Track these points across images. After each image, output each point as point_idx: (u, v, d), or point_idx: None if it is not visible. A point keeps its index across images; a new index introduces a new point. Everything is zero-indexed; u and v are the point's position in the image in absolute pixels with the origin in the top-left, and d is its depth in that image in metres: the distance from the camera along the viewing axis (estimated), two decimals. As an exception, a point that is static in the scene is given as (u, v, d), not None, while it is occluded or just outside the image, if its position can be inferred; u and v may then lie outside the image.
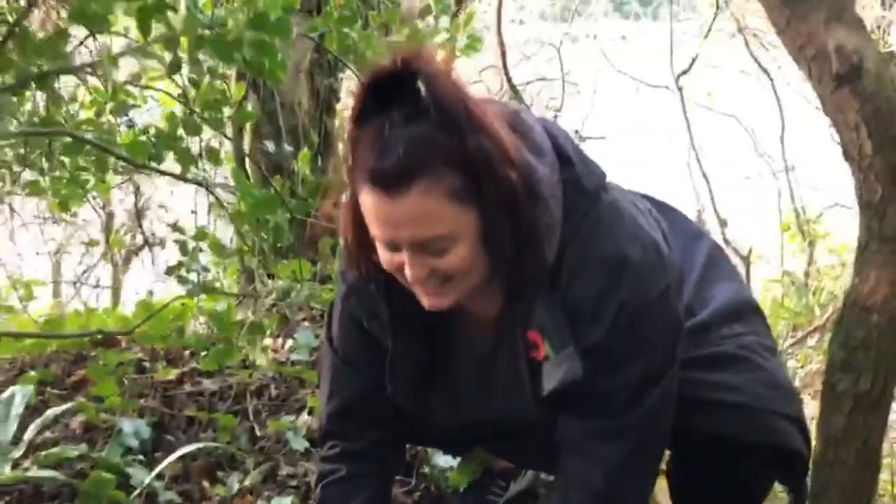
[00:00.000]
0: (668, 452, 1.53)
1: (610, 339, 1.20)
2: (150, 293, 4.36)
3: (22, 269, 4.35)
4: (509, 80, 4.85)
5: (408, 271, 1.14)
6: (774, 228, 6.00)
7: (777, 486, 1.55)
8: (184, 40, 1.44)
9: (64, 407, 1.97)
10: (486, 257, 1.16)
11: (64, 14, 1.53)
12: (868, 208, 1.08)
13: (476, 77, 5.70)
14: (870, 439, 1.15)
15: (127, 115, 2.09)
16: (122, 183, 3.83)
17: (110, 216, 4.66)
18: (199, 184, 1.89)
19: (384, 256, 1.18)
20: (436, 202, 1.09)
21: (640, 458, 1.28)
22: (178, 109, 2.06)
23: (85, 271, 4.94)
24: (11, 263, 4.25)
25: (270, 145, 2.14)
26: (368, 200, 1.12)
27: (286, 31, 1.51)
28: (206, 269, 2.36)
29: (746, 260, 4.66)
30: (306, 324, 2.48)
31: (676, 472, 1.54)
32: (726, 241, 5.16)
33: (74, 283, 4.81)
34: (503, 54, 4.58)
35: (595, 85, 6.67)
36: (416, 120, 1.09)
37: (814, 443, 1.25)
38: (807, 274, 5.68)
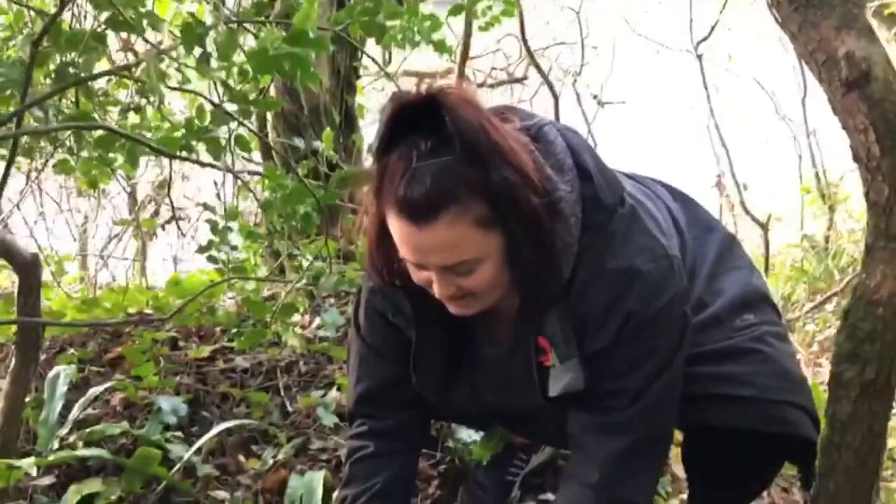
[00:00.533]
0: (680, 434, 1.59)
1: (615, 346, 1.26)
2: (176, 267, 4.47)
3: (50, 243, 4.46)
4: (527, 47, 4.84)
5: (436, 289, 1.20)
6: (795, 192, 5.98)
7: (787, 465, 1.61)
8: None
9: (104, 385, 2.07)
10: (509, 274, 1.22)
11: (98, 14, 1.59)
12: (875, 208, 1.12)
13: (494, 45, 5.69)
14: (874, 425, 1.21)
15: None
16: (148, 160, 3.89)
17: (134, 191, 4.74)
18: (229, 171, 1.95)
19: (412, 273, 1.23)
20: (462, 230, 1.14)
21: (637, 455, 1.31)
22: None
23: (110, 240, 5.04)
24: (41, 238, 4.35)
25: (299, 140, 2.19)
26: (397, 226, 1.17)
27: (325, 46, 1.56)
28: (235, 248, 2.43)
29: (765, 226, 4.68)
30: (333, 302, 2.55)
31: (689, 451, 1.61)
32: (745, 207, 5.17)
33: (101, 255, 4.91)
34: (521, 21, 4.57)
35: (614, 49, 6.61)
36: (441, 152, 1.13)
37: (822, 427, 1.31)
38: (826, 238, 5.67)
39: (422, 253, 1.17)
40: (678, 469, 2.03)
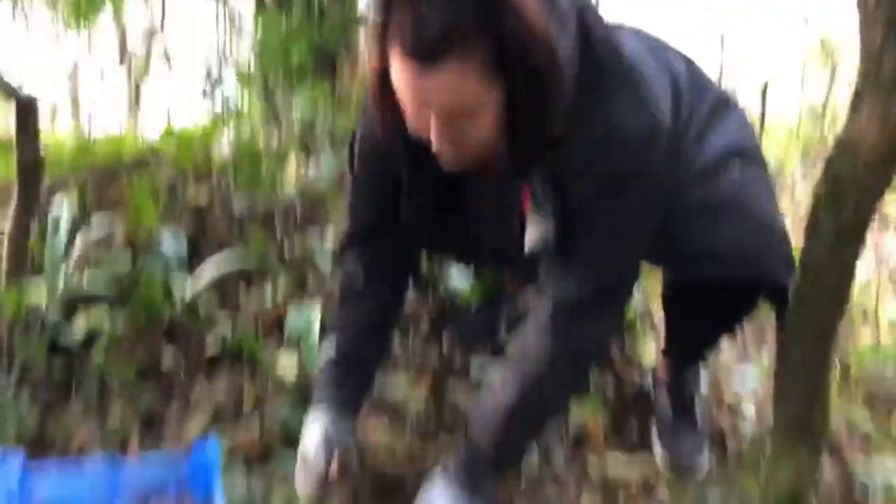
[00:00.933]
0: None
1: (589, 201, 1.27)
2: (170, 120, 4.43)
3: (41, 90, 4.41)
4: None
5: (434, 141, 1.19)
6: (795, 58, 5.88)
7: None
8: None
9: (106, 223, 2.13)
10: (505, 131, 1.21)
11: None
12: (868, 54, 1.14)
13: None
14: (844, 268, 1.27)
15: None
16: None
17: (124, 35, 4.64)
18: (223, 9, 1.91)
19: (410, 119, 1.23)
20: (466, 76, 1.13)
21: (593, 303, 1.34)
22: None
23: (102, 77, 4.97)
24: (31, 84, 4.29)
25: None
26: (400, 68, 1.16)
27: None
28: (230, 94, 2.43)
29: (763, 93, 4.63)
30: (328, 148, 2.57)
31: (667, 293, 1.69)
32: (740, 71, 5.10)
33: (91, 100, 4.86)
34: None
35: None
36: None
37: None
38: (824, 106, 5.64)
39: (423, 97, 1.16)
40: (656, 316, 2.13)
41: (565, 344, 1.36)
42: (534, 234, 1.32)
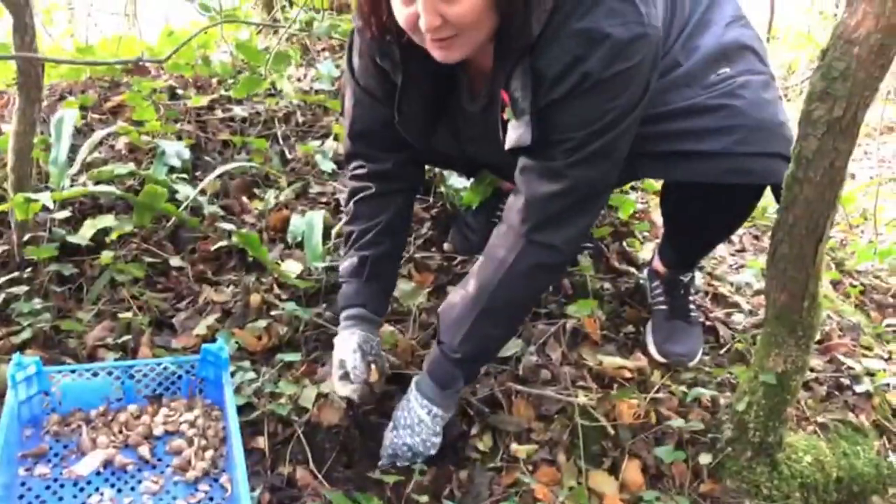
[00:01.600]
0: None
1: (567, 101, 1.27)
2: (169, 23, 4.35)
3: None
4: None
5: (422, 18, 1.20)
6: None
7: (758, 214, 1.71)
8: None
9: (109, 129, 2.13)
10: (491, 12, 1.22)
11: None
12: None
13: None
14: (836, 161, 1.28)
15: None
16: None
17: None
18: None
19: (399, 9, 1.24)
20: None
21: (564, 203, 1.36)
22: None
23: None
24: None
25: None
26: None
27: None
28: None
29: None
30: (327, 54, 2.55)
31: (665, 197, 1.70)
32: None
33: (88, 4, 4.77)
34: None
35: None
36: None
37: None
38: (836, 5, 5.51)
39: None
40: (655, 215, 2.16)
41: (534, 243, 1.39)
42: (513, 135, 1.33)
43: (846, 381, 1.82)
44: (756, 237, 2.30)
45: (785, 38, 5.34)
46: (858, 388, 1.80)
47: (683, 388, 1.69)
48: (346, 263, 1.62)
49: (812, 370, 1.81)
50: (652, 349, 1.78)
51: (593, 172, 1.34)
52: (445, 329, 1.47)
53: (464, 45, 1.26)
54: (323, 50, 2.71)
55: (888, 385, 1.81)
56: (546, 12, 1.24)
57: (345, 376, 1.53)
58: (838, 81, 1.21)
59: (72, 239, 1.83)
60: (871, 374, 1.83)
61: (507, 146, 1.35)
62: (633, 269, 2.00)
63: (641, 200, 2.27)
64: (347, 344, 1.56)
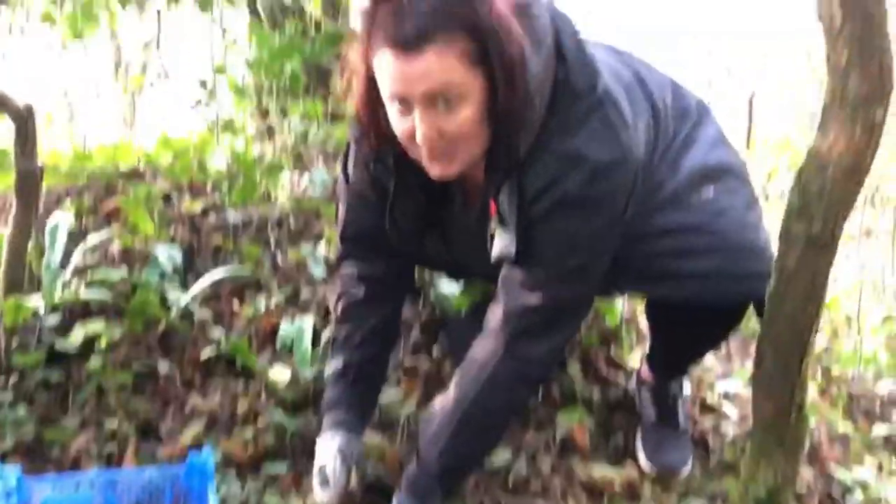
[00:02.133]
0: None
1: (546, 220, 1.33)
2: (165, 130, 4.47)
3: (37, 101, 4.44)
4: None
5: (419, 131, 1.25)
6: (786, 69, 5.97)
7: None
8: None
9: (103, 235, 2.16)
10: (485, 128, 1.28)
11: None
12: (834, 72, 1.19)
13: None
14: (817, 276, 1.31)
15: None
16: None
17: (119, 50, 4.67)
18: (218, 24, 1.96)
19: (397, 123, 1.29)
20: (450, 59, 1.21)
21: (542, 317, 1.39)
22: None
23: (97, 94, 5.00)
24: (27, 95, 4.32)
25: (288, -1, 2.19)
26: (387, 61, 1.22)
27: None
28: (223, 107, 2.48)
29: (749, 104, 4.71)
30: (321, 161, 2.61)
31: (651, 307, 1.73)
32: (729, 91, 5.17)
33: (86, 110, 4.90)
34: None
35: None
36: None
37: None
38: (813, 116, 5.71)
39: (409, 82, 1.22)
40: (643, 321, 2.18)
41: (511, 354, 1.41)
42: (498, 246, 1.37)
43: (837, 494, 1.81)
44: (743, 343, 2.32)
45: (765, 142, 5.51)
46: (850, 501, 1.78)
47: (675, 499, 1.67)
48: (332, 367, 1.63)
49: (804, 481, 1.80)
50: (642, 459, 1.77)
51: (568, 291, 1.38)
52: (425, 442, 1.47)
53: (458, 161, 1.31)
54: (317, 156, 2.78)
55: (880, 499, 1.79)
56: (535, 131, 1.30)
57: (324, 481, 1.51)
58: (814, 199, 1.26)
59: (60, 345, 1.83)
60: (863, 485, 1.81)
61: (492, 257, 1.38)
62: (621, 377, 2.01)
63: (628, 306, 2.29)
64: (328, 449, 1.54)
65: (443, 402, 1.47)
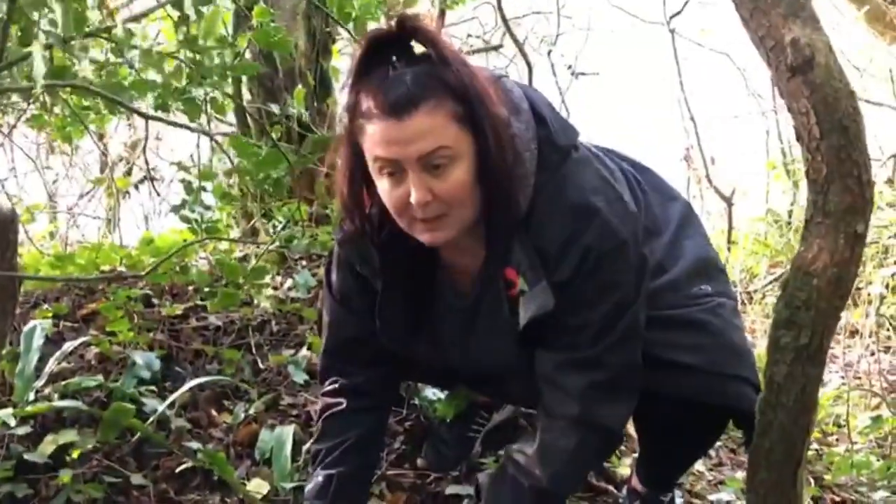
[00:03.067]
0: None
1: (577, 279, 1.33)
2: (148, 226, 4.48)
3: (21, 197, 4.45)
4: (503, 16, 4.86)
5: (413, 195, 1.26)
6: (761, 168, 6.09)
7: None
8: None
9: (79, 340, 2.12)
10: (477, 190, 1.29)
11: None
12: (814, 185, 1.20)
13: (470, 13, 5.70)
14: (807, 387, 1.29)
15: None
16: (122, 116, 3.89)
17: (106, 150, 4.72)
18: (205, 133, 1.98)
19: (388, 193, 1.29)
20: (440, 120, 1.24)
21: (614, 385, 1.40)
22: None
23: (81, 197, 5.02)
24: (12, 192, 4.34)
25: (275, 107, 2.23)
26: (377, 128, 1.25)
27: (286, 47, 1.64)
28: (208, 208, 2.47)
29: (729, 200, 4.79)
30: (304, 264, 2.61)
31: (639, 412, 1.69)
32: (710, 181, 5.28)
33: (70, 210, 4.91)
34: (498, -11, 4.58)
35: (590, 19, 6.64)
36: (418, 62, 1.26)
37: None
38: (790, 213, 5.82)
39: (401, 145, 1.24)
40: (631, 428, 2.14)
41: (596, 432, 1.42)
42: (532, 307, 1.35)
43: None
44: (733, 451, 2.28)
45: (744, 243, 5.58)
46: None
47: None
48: (311, 484, 1.57)
49: None
50: (634, 574, 1.70)
51: (628, 348, 1.39)
52: None
53: (451, 225, 1.31)
54: (300, 258, 2.77)
55: None
56: (530, 187, 1.32)
57: None
58: (801, 311, 1.26)
59: (29, 457, 1.76)
60: None
61: (524, 320, 1.36)
62: (611, 488, 1.95)
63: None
64: None
65: (520, 470, 1.47)
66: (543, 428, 1.48)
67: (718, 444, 2.27)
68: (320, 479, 1.55)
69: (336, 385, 1.60)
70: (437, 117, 1.24)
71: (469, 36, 6.21)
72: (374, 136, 1.26)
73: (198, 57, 1.85)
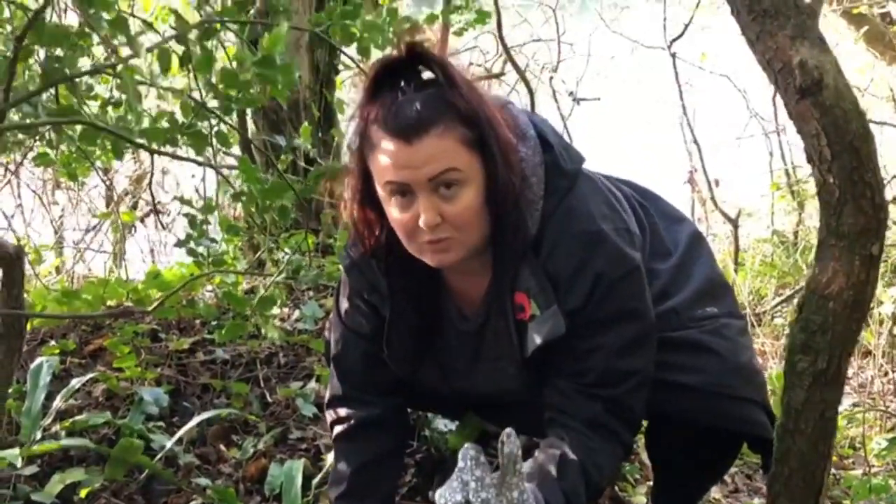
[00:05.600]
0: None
1: (588, 306, 1.33)
2: (154, 260, 4.48)
3: (28, 234, 4.46)
4: (504, 44, 4.90)
5: (422, 217, 1.26)
6: (765, 189, 6.09)
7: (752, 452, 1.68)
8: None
9: (87, 377, 2.11)
10: (486, 212, 1.29)
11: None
12: (827, 207, 1.19)
13: (472, 42, 5.74)
14: (826, 412, 1.27)
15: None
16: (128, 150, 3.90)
17: (112, 184, 4.74)
18: (210, 166, 1.98)
19: (398, 216, 1.29)
20: (450, 143, 1.25)
21: (627, 400, 1.39)
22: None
23: (87, 231, 5.03)
24: (19, 231, 4.34)
25: (280, 139, 2.24)
26: (388, 151, 1.25)
27: (291, 74, 1.65)
28: (213, 241, 2.47)
29: (734, 221, 4.77)
30: (312, 295, 2.60)
31: (651, 439, 1.68)
32: (716, 203, 5.27)
33: (77, 244, 4.91)
34: (498, 18, 4.62)
35: (590, 46, 6.69)
36: (427, 86, 1.26)
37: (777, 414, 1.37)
38: (795, 234, 5.80)
39: (412, 168, 1.24)
40: (645, 456, 2.11)
41: (619, 440, 1.40)
42: (542, 331, 1.34)
43: None
44: (748, 476, 2.24)
45: (751, 264, 5.56)
46: None
47: None
48: (333, 492, 1.57)
49: None
50: None
51: (636, 374, 1.38)
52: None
53: (459, 247, 1.31)
54: (308, 289, 2.76)
55: None
56: (538, 212, 1.33)
57: None
58: (818, 335, 1.24)
59: (37, 497, 1.74)
60: None
61: (535, 344, 1.35)
62: (627, 517, 1.92)
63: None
64: None
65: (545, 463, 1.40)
66: (571, 441, 1.41)
67: (734, 469, 2.23)
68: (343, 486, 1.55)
69: (348, 414, 1.58)
70: (446, 140, 1.24)
71: (471, 64, 6.26)
72: (384, 160, 1.26)
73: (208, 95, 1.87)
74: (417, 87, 1.26)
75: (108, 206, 4.58)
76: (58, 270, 4.35)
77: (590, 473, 1.36)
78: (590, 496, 1.44)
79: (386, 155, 1.25)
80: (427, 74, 1.29)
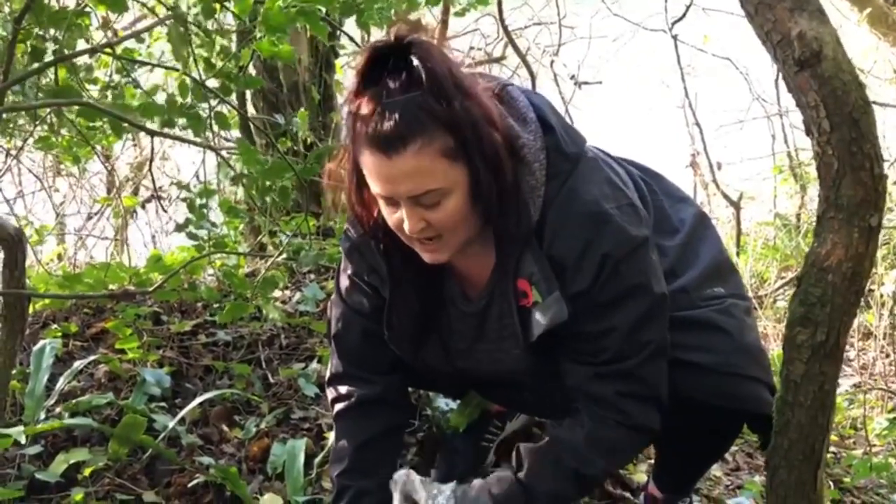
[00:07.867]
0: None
1: (595, 288, 1.32)
2: (156, 244, 4.48)
3: (29, 220, 4.47)
4: (505, 27, 4.88)
5: (406, 225, 1.27)
6: (767, 172, 6.07)
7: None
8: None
9: (89, 359, 2.11)
10: (474, 211, 1.29)
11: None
12: (825, 180, 1.19)
13: (473, 25, 5.72)
14: (825, 384, 1.28)
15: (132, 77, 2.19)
16: (127, 136, 3.90)
17: (113, 170, 4.74)
18: (210, 148, 1.98)
19: (387, 213, 1.31)
20: (429, 159, 1.23)
21: (643, 389, 1.40)
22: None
23: (89, 218, 5.04)
24: (21, 215, 4.35)
25: (280, 118, 2.23)
26: (369, 162, 1.25)
27: (289, 56, 1.64)
28: (214, 225, 2.47)
29: (737, 204, 4.77)
30: (313, 277, 2.60)
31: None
32: (718, 186, 5.26)
33: (78, 231, 4.92)
34: (499, 1, 4.60)
35: (591, 29, 6.65)
36: (410, 88, 1.23)
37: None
38: (798, 216, 5.79)
39: (392, 184, 1.25)
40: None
41: (636, 429, 1.41)
42: (546, 316, 1.34)
43: None
44: (749, 455, 2.25)
45: (753, 247, 5.56)
46: None
47: None
48: (335, 469, 1.58)
49: None
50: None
51: (654, 355, 1.37)
52: (532, 474, 1.42)
53: (449, 246, 1.32)
54: (309, 272, 2.76)
55: None
56: (540, 198, 1.32)
57: None
58: (817, 307, 1.24)
59: (41, 476, 1.75)
60: None
61: (538, 331, 1.35)
62: (628, 494, 1.93)
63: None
64: None
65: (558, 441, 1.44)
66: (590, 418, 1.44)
67: (735, 448, 2.24)
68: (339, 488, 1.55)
69: (349, 392, 1.59)
70: (423, 158, 1.22)
71: (472, 48, 6.24)
72: (368, 166, 1.27)
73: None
74: (402, 87, 1.22)
75: (109, 192, 4.58)
76: (60, 258, 4.36)
77: (589, 462, 1.40)
78: (591, 482, 1.47)
79: (369, 164, 1.26)
80: (416, 62, 1.25)
